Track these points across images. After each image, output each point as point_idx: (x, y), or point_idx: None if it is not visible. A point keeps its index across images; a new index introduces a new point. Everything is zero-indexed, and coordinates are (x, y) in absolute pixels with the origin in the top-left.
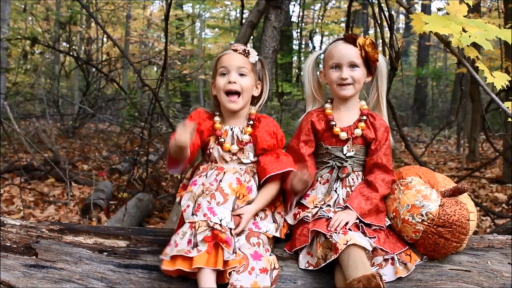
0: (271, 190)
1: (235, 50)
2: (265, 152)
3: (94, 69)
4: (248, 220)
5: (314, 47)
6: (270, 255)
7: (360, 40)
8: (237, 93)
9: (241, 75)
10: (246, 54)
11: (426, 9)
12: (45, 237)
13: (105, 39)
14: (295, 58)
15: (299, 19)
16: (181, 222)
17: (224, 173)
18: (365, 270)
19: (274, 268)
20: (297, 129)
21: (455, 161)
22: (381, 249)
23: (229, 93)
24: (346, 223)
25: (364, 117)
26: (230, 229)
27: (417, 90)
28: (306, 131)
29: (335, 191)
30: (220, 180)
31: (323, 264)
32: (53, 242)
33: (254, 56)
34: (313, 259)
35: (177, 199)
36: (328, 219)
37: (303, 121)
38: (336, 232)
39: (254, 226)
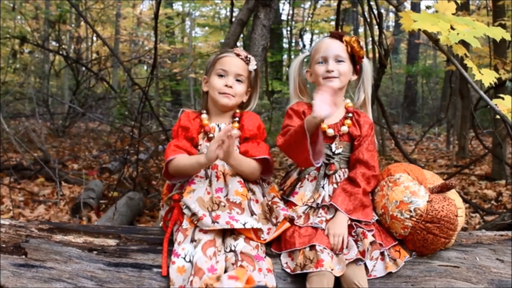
0: (253, 163)
1: (238, 55)
2: (246, 141)
3: (84, 68)
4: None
5: (304, 45)
6: (265, 257)
7: (346, 37)
8: (232, 96)
9: (238, 81)
10: (247, 61)
11: (416, 8)
12: (34, 236)
13: (94, 38)
14: (285, 56)
15: (289, 17)
16: (173, 221)
17: (225, 179)
18: None
19: (273, 270)
20: (286, 112)
21: (445, 159)
22: (380, 244)
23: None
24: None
25: (350, 115)
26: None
27: (407, 87)
28: (300, 117)
29: (322, 187)
30: (227, 194)
31: (298, 272)
32: (42, 241)
33: (253, 65)
34: (292, 263)
35: (166, 199)
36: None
37: (294, 106)
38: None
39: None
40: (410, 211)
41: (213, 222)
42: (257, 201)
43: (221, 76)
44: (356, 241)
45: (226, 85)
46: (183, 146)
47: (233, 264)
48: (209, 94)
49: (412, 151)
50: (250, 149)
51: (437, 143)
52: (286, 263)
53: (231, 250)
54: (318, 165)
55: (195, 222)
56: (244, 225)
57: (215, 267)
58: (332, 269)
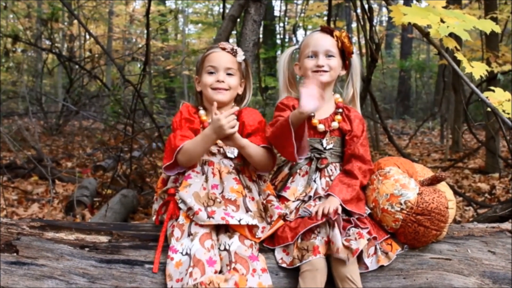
0: (258, 147)
1: (223, 49)
2: (249, 136)
3: (77, 66)
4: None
5: (297, 41)
6: (259, 255)
7: (337, 33)
8: (225, 90)
9: (229, 74)
10: (234, 53)
11: (408, 2)
12: (26, 234)
13: (87, 36)
14: (279, 52)
15: (282, 13)
16: (169, 215)
17: (221, 176)
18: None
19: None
20: (277, 106)
21: (438, 153)
22: (374, 237)
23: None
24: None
25: (340, 110)
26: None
27: (400, 82)
28: (291, 110)
29: (314, 181)
30: (222, 191)
31: (297, 264)
32: (34, 238)
33: (241, 55)
34: (288, 257)
35: (160, 192)
36: (311, 216)
37: (284, 101)
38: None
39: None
40: (401, 204)
41: (209, 217)
42: (252, 199)
43: (211, 73)
44: (348, 240)
45: (217, 81)
46: (189, 136)
47: (227, 265)
48: (203, 93)
49: (406, 145)
50: (252, 141)
51: (431, 137)
52: (281, 258)
53: (225, 249)
54: (301, 161)
55: (191, 217)
56: (239, 221)
57: (214, 259)
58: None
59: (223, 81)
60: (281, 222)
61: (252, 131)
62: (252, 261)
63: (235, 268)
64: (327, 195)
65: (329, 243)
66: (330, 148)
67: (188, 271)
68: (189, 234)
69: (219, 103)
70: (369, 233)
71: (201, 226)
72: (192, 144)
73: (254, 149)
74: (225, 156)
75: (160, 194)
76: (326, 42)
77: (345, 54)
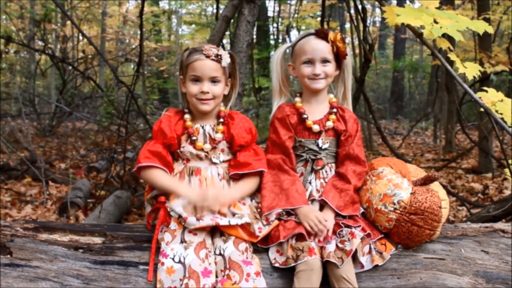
0: (254, 183)
1: (208, 57)
2: (242, 149)
3: (70, 67)
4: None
5: (290, 42)
6: (253, 257)
7: (331, 36)
8: (210, 99)
9: (214, 82)
10: (219, 59)
11: (402, 4)
12: (19, 235)
13: (80, 37)
14: (272, 53)
15: (276, 13)
16: (160, 222)
17: (207, 185)
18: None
19: (262, 270)
20: (272, 123)
21: (432, 153)
22: (368, 234)
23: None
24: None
25: (334, 110)
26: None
27: (394, 82)
28: (287, 126)
29: (309, 183)
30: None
31: (292, 264)
32: (27, 240)
33: (226, 59)
34: (281, 257)
35: (148, 197)
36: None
37: (277, 114)
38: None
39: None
40: (394, 204)
41: (198, 220)
42: (244, 204)
43: (195, 81)
44: (342, 242)
45: (202, 92)
46: (160, 153)
47: (221, 270)
48: (188, 99)
49: (400, 145)
50: (252, 162)
51: (424, 138)
52: (275, 258)
53: (220, 254)
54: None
55: (183, 224)
56: (229, 222)
57: (209, 269)
58: (322, 257)
59: (207, 92)
60: (276, 221)
61: (246, 144)
62: (245, 265)
63: (229, 275)
64: (321, 201)
65: (322, 247)
66: (326, 149)
67: (183, 282)
68: (182, 241)
69: (204, 112)
70: (362, 230)
71: (195, 234)
72: (159, 183)
73: (249, 188)
74: (212, 162)
75: (149, 199)
76: (322, 49)
77: (339, 57)
